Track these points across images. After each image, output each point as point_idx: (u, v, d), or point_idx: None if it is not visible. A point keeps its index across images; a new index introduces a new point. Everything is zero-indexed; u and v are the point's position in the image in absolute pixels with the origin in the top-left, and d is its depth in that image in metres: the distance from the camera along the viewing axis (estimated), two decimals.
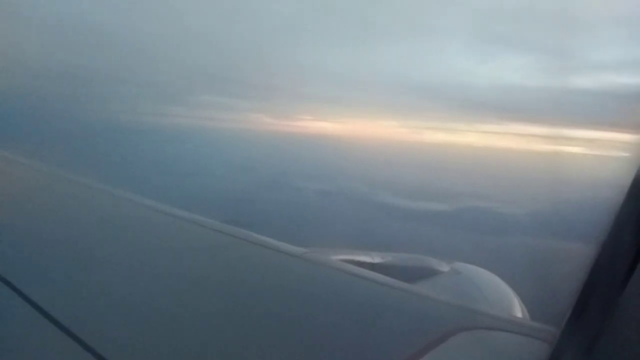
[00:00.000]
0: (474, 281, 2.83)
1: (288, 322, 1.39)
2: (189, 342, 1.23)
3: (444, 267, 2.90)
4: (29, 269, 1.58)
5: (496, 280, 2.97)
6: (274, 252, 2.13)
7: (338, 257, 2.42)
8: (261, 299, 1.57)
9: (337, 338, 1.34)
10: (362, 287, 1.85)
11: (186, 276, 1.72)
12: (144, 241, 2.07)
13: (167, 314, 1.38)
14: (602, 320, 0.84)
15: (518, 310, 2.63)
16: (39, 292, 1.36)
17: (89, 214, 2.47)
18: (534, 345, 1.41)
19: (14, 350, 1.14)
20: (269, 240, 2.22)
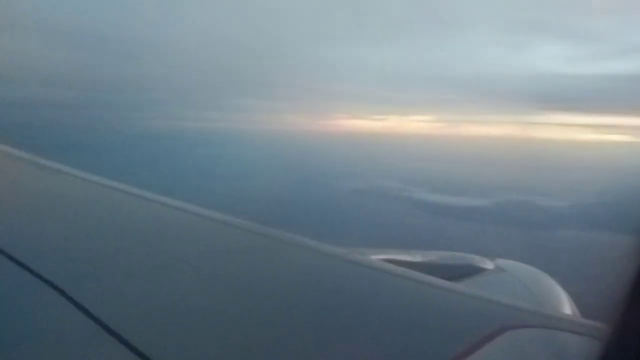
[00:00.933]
0: (520, 278, 2.76)
1: (333, 324, 1.40)
2: (234, 345, 1.25)
3: (488, 265, 2.84)
4: (80, 274, 1.63)
5: (542, 277, 2.90)
6: (314, 253, 2.13)
7: (379, 256, 2.40)
8: (304, 301, 1.58)
9: (383, 339, 1.34)
10: (405, 286, 1.84)
11: (226, 279, 1.74)
12: (182, 244, 2.10)
13: (213, 317, 1.40)
14: None
15: (566, 307, 2.55)
16: (90, 300, 1.41)
17: (126, 218, 2.53)
18: (584, 342, 1.37)
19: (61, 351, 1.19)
20: (307, 241, 2.21)
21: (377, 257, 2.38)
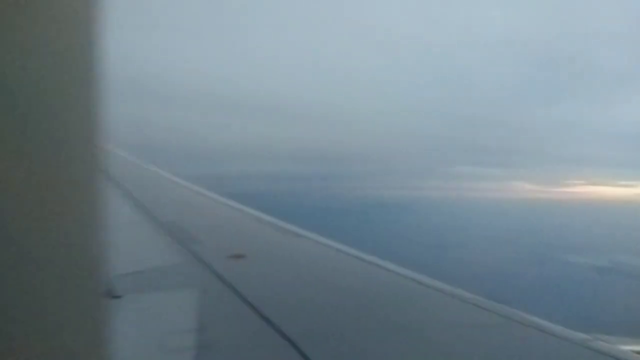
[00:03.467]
0: None
1: None
2: None
3: None
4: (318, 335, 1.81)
5: None
6: (549, 337, 1.99)
7: (630, 347, 2.13)
8: None
9: None
10: None
11: (452, 355, 1.75)
12: (408, 315, 2.17)
13: None
14: None
15: None
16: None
17: (351, 281, 2.73)
18: None
19: None
20: (541, 322, 2.09)
21: (628, 348, 2.11)
